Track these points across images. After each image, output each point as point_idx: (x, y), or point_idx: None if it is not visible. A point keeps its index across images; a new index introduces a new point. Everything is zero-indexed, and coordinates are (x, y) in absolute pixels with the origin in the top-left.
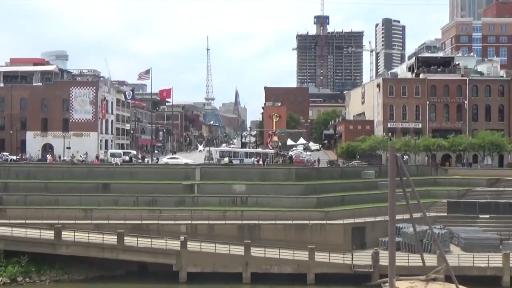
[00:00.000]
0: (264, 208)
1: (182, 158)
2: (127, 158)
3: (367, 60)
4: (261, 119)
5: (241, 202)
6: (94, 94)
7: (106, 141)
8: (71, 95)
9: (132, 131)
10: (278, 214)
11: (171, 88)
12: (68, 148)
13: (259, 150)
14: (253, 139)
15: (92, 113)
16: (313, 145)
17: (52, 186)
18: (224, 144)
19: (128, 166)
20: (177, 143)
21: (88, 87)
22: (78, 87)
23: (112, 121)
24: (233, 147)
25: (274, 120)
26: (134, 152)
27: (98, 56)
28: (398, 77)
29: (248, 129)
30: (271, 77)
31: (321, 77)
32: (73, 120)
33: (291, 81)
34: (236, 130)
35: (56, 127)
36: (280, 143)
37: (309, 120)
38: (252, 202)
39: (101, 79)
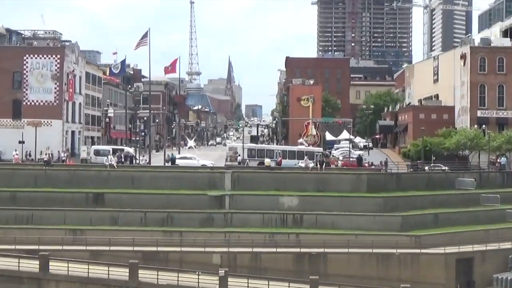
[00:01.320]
0: (328, 231)
1: (198, 158)
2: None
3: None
4: (279, 102)
5: (294, 221)
6: (58, 65)
7: (73, 133)
8: (25, 67)
9: (106, 119)
10: (350, 239)
11: (177, 58)
12: (21, 142)
13: (302, 147)
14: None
15: (55, 92)
16: (361, 141)
17: (22, 197)
18: (218, 139)
19: (127, 168)
20: (159, 136)
21: (49, 56)
22: (36, 56)
23: (80, 104)
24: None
25: (304, 104)
26: (129, 149)
27: (32, 12)
28: (492, 45)
29: (245, 116)
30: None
31: (353, 44)
32: (28, 103)
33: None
34: (229, 117)
35: (3, 112)
36: (318, 138)
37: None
38: (310, 221)
39: (67, 44)
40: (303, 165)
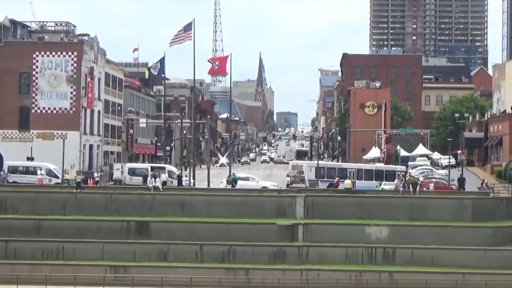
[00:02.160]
0: (428, 268)
1: (257, 179)
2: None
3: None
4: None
5: (385, 256)
6: (75, 65)
7: (91, 147)
8: (35, 67)
9: (130, 131)
10: (458, 279)
11: (228, 55)
12: (30, 159)
13: (380, 165)
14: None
15: (72, 98)
16: (442, 158)
17: (48, 226)
18: (252, 154)
19: (176, 192)
20: (186, 151)
21: (64, 53)
22: (48, 53)
23: (99, 112)
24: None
25: (369, 112)
26: (172, 167)
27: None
28: None
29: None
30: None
31: (414, 37)
32: (38, 111)
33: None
34: (260, 127)
35: (8, 122)
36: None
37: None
38: (404, 256)
39: (85, 38)
40: (387, 187)
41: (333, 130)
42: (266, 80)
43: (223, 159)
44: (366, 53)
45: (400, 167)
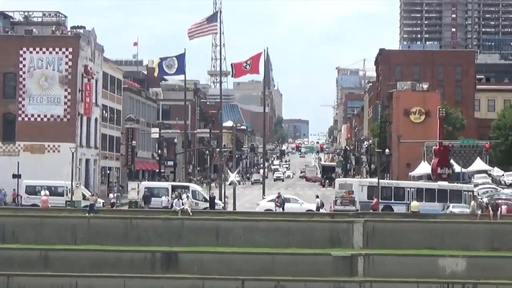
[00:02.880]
0: None
1: (300, 200)
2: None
3: None
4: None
5: None
6: (71, 63)
7: (87, 162)
8: (21, 66)
9: (133, 142)
10: None
11: (261, 52)
12: (16, 176)
13: (444, 184)
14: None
15: (66, 103)
16: (506, 175)
17: (57, 257)
18: (261, 171)
19: (208, 216)
20: (189, 166)
21: (56, 50)
22: (37, 49)
23: (96, 120)
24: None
25: (416, 120)
26: (196, 186)
27: None
28: None
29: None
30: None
31: (453, 28)
32: (26, 118)
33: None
34: (268, 138)
35: None
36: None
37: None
38: None
39: (81, 32)
40: (456, 210)
41: (370, 141)
42: (274, 81)
43: (233, 176)
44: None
45: (467, 186)
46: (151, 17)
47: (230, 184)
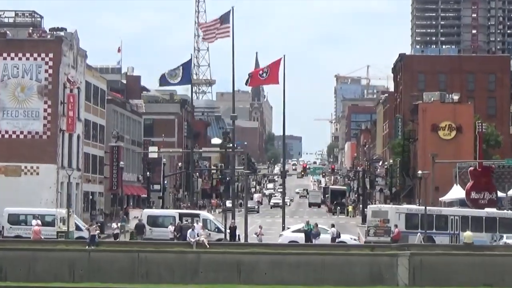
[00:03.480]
0: None
1: (331, 230)
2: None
3: None
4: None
5: None
6: (51, 71)
7: (68, 186)
8: None
9: (121, 163)
10: None
11: (280, 59)
12: None
13: (492, 211)
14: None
15: (46, 118)
16: None
17: None
18: (257, 195)
19: (228, 249)
20: (175, 190)
21: (35, 55)
22: (12, 55)
23: (78, 137)
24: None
25: (445, 136)
26: (207, 215)
27: None
28: None
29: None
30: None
31: (474, 30)
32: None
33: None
34: (257, 156)
35: None
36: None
37: None
38: None
39: (62, 34)
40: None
41: (390, 161)
42: (264, 91)
43: (229, 203)
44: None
45: None
46: (116, 16)
47: (223, 211)
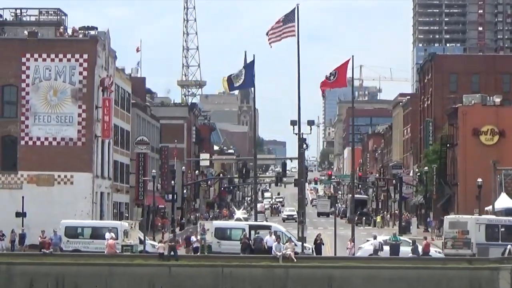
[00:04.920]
0: None
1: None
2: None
3: None
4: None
5: None
6: (85, 74)
7: (101, 196)
8: (25, 77)
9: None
10: None
11: (348, 59)
12: (20, 215)
13: None
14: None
15: (80, 123)
16: None
17: None
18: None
19: (316, 263)
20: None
21: (68, 56)
22: (44, 56)
23: (109, 144)
24: None
25: (487, 142)
26: (279, 227)
27: None
28: None
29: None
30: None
31: (480, 27)
32: (30, 142)
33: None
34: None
35: None
36: None
37: None
38: None
39: (94, 34)
40: None
41: (425, 168)
42: (252, 94)
43: (240, 213)
44: (416, 52)
45: None
46: (82, 11)
47: (236, 221)
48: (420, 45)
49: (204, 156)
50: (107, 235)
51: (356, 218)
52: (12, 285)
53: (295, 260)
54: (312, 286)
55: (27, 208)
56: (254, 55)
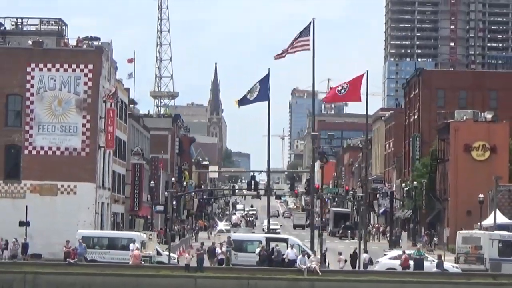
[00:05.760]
0: None
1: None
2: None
3: None
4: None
5: None
6: (90, 84)
7: (102, 206)
8: (29, 86)
9: (152, 183)
10: None
11: (363, 74)
12: (23, 224)
13: None
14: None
15: (85, 133)
16: None
17: None
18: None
19: (341, 276)
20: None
21: (73, 66)
22: (49, 66)
23: (109, 155)
24: None
25: (479, 157)
26: (295, 240)
27: None
28: None
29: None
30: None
31: (452, 43)
32: (34, 152)
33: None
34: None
35: None
36: None
37: None
38: None
39: (100, 43)
40: None
41: (414, 184)
42: (222, 105)
43: (222, 225)
44: (388, 66)
45: None
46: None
47: (218, 232)
48: (392, 59)
49: (213, 168)
50: (132, 246)
51: (340, 231)
52: None
53: (320, 273)
54: None
55: (30, 218)
56: (269, 69)
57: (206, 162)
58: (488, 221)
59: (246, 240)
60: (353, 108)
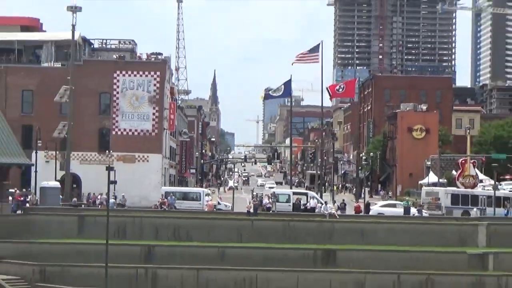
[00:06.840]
0: None
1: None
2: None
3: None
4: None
5: None
6: (158, 85)
7: (165, 170)
8: (115, 87)
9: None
10: None
11: (356, 79)
12: (112, 182)
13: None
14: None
15: (154, 120)
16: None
17: (230, 253)
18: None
19: (353, 219)
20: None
21: (146, 73)
22: (129, 73)
23: (167, 133)
24: None
25: (417, 136)
26: (313, 194)
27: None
28: None
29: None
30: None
31: (380, 56)
32: (119, 132)
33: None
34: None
35: (87, 144)
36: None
37: None
38: None
39: (164, 57)
40: None
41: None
42: (219, 99)
43: (231, 183)
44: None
45: None
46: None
47: (229, 189)
48: (338, 67)
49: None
50: (207, 198)
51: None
52: (144, 232)
53: (338, 217)
54: (350, 235)
55: (117, 178)
56: (291, 75)
57: (213, 139)
58: (425, 180)
59: (280, 194)
60: (307, 101)
